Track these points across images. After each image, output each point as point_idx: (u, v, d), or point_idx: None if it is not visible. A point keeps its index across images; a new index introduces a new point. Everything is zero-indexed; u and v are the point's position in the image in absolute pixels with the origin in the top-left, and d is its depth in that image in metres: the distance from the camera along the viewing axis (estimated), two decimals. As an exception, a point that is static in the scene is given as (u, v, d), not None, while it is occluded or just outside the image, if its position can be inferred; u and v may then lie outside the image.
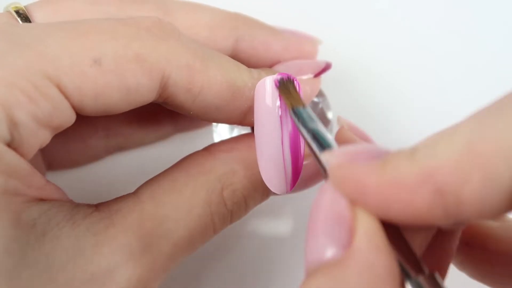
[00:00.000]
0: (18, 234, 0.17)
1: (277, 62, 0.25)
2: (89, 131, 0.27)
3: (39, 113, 0.18)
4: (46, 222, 0.18)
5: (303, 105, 0.20)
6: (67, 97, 0.18)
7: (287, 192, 0.22)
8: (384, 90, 0.32)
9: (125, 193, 0.21)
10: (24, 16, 0.21)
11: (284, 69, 0.24)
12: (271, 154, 0.21)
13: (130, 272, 0.18)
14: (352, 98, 0.32)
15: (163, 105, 0.21)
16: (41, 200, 0.18)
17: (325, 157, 0.16)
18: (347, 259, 0.15)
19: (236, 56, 0.25)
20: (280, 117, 0.21)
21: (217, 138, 0.28)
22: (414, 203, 0.14)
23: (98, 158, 0.28)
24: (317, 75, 0.24)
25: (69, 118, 0.19)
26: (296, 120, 0.20)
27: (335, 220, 0.16)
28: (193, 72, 0.20)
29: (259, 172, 0.22)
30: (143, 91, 0.19)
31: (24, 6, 0.21)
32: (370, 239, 0.15)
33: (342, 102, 0.29)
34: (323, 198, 0.16)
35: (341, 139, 0.23)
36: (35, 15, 0.21)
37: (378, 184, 0.15)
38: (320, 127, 0.19)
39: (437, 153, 0.14)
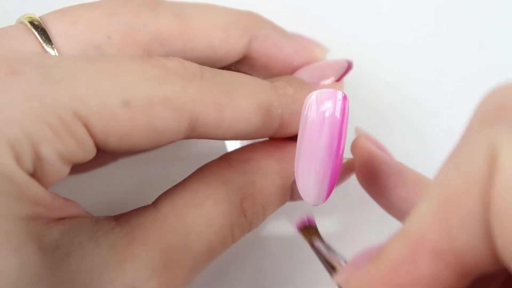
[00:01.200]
0: (44, 258, 0.17)
1: (288, 63, 0.25)
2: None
3: (64, 150, 0.18)
4: (69, 242, 0.18)
5: (320, 238, 0.20)
6: (92, 136, 0.18)
7: (321, 203, 0.22)
8: (390, 91, 0.32)
9: (134, 198, 0.21)
10: (40, 29, 0.21)
11: (306, 74, 0.24)
12: (318, 166, 0.20)
13: None
14: (366, 103, 0.32)
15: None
16: (61, 219, 0.18)
17: (337, 279, 0.17)
18: None
19: (248, 55, 0.25)
20: (341, 130, 0.20)
21: (228, 143, 0.28)
22: (421, 276, 0.14)
23: (104, 165, 0.28)
24: (340, 78, 0.24)
25: (91, 155, 0.19)
26: (317, 253, 0.20)
27: None
28: (221, 108, 0.20)
29: (277, 182, 0.22)
30: (170, 133, 0.19)
31: (39, 17, 0.21)
32: None
33: (357, 106, 0.29)
34: None
35: (358, 148, 0.23)
36: (52, 27, 0.21)
37: (382, 276, 0.15)
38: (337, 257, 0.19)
39: (418, 219, 0.14)
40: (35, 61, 0.18)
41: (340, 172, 0.24)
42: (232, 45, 0.24)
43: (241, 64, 0.25)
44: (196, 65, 0.21)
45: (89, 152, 0.18)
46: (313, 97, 0.20)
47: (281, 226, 0.31)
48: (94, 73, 0.18)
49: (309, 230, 0.21)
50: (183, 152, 0.29)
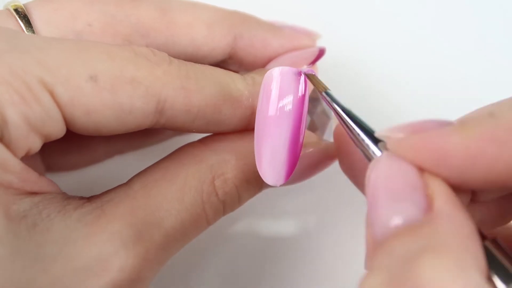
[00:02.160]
0: (9, 225, 0.17)
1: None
2: (89, 136, 0.28)
3: (30, 115, 0.18)
4: (37, 214, 0.18)
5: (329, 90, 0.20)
6: (59, 106, 0.18)
7: (280, 184, 0.22)
8: (386, 87, 0.32)
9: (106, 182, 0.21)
10: (23, 14, 0.21)
11: (278, 65, 0.24)
12: (274, 145, 0.21)
13: (122, 261, 0.19)
14: (353, 94, 0.32)
15: (163, 129, 0.21)
16: (34, 193, 0.19)
17: (384, 134, 0.17)
18: (435, 219, 0.15)
19: (234, 54, 0.25)
20: (294, 107, 0.21)
21: None
22: (504, 156, 0.14)
23: (98, 161, 0.29)
24: (312, 63, 0.24)
25: (60, 129, 0.19)
26: (330, 101, 0.20)
27: (407, 187, 0.15)
28: (189, 93, 0.20)
29: (251, 162, 0.22)
30: (137, 114, 0.20)
31: (23, 5, 0.22)
32: (451, 202, 0.15)
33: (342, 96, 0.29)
34: (382, 170, 0.16)
35: (338, 133, 0.23)
36: (34, 13, 0.22)
37: (461, 145, 0.15)
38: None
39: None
40: (6, 32, 0.19)
41: (321, 158, 0.24)
42: (216, 43, 0.24)
43: (229, 63, 0.26)
44: (165, 54, 0.21)
45: (58, 124, 0.19)
46: (269, 76, 0.21)
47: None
48: (63, 48, 0.19)
49: (315, 78, 0.21)
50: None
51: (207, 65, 0.22)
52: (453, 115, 0.28)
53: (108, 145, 0.29)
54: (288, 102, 0.21)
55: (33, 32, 0.21)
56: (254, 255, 0.30)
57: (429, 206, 0.15)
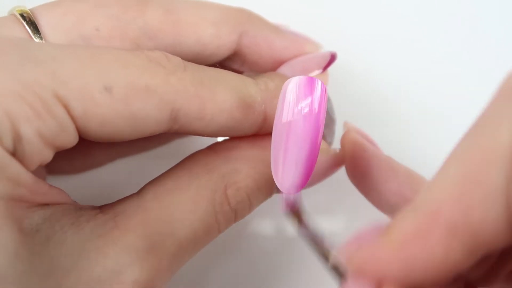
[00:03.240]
0: (23, 240, 0.17)
1: (279, 60, 0.25)
2: (90, 141, 0.28)
3: (44, 130, 0.18)
4: (50, 227, 0.18)
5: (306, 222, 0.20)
6: (73, 119, 0.18)
7: (295, 193, 0.21)
8: (387, 90, 0.32)
9: (128, 193, 0.21)
10: (29, 20, 0.21)
11: (289, 69, 0.24)
12: (292, 154, 0.20)
13: (136, 273, 0.19)
14: (355, 97, 0.32)
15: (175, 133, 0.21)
16: (45, 205, 0.18)
17: (333, 260, 0.17)
18: None
19: (238, 51, 0.25)
20: (313, 116, 0.20)
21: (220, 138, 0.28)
22: (432, 250, 0.14)
23: (100, 165, 0.29)
24: (324, 69, 0.24)
25: (72, 140, 0.19)
26: (307, 237, 0.20)
27: None
28: (203, 100, 0.20)
29: (262, 170, 0.22)
30: (151, 122, 0.19)
31: (29, 10, 0.22)
32: None
33: (345, 100, 0.29)
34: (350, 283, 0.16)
35: (347, 141, 0.23)
36: (41, 19, 0.21)
37: (392, 249, 0.15)
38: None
39: (435, 192, 0.14)
40: (17, 43, 0.19)
41: (329, 165, 0.24)
42: (222, 40, 0.24)
43: (232, 60, 0.25)
44: (179, 58, 0.21)
45: (71, 136, 0.18)
46: (289, 86, 0.20)
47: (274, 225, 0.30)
48: (76, 57, 0.18)
49: (296, 212, 0.21)
50: (179, 150, 0.29)
51: (220, 69, 0.22)
52: (448, 113, 0.28)
53: (110, 149, 0.28)
54: (307, 111, 0.20)
55: (41, 38, 0.21)
56: (254, 255, 0.30)
57: None
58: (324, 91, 0.20)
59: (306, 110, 0.20)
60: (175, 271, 0.21)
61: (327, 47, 0.26)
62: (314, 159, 0.21)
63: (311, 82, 0.20)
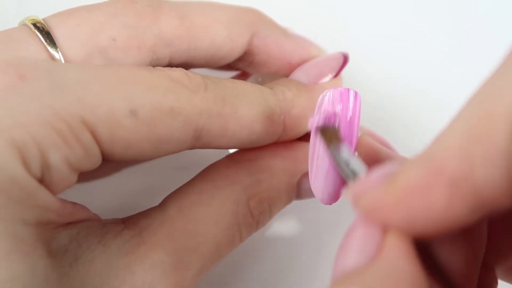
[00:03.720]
0: (53, 262, 0.17)
1: (286, 62, 0.25)
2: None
3: (72, 157, 0.18)
4: (77, 246, 0.18)
5: (342, 143, 0.20)
6: (99, 144, 0.18)
7: (334, 203, 0.22)
8: (395, 90, 0.32)
9: (142, 202, 0.21)
10: (44, 31, 0.21)
11: (303, 74, 0.24)
12: (329, 165, 0.21)
13: None
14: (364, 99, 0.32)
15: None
16: (70, 223, 0.18)
17: (345, 196, 0.17)
18: (373, 266, 0.15)
19: (248, 52, 0.25)
20: (353, 131, 0.21)
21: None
22: (434, 203, 0.14)
23: (107, 175, 0.28)
24: (338, 73, 0.24)
25: (96, 163, 0.19)
26: (335, 156, 0.19)
27: (366, 237, 0.16)
28: (225, 118, 0.20)
29: (283, 180, 0.22)
30: (175, 143, 0.19)
31: (43, 19, 0.21)
32: (397, 250, 0.15)
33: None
34: (358, 222, 0.16)
35: (362, 146, 0.23)
36: (56, 30, 0.21)
37: (395, 199, 0.15)
38: (360, 164, 0.19)
39: (440, 148, 0.14)
40: (43, 67, 0.18)
41: None
42: (235, 42, 0.24)
43: (240, 60, 0.25)
44: (199, 75, 0.21)
45: (96, 160, 0.18)
46: (326, 98, 0.21)
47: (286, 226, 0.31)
48: (101, 81, 0.18)
49: (329, 133, 0.20)
50: (191, 157, 0.29)
51: (238, 81, 0.22)
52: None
53: (119, 161, 0.28)
54: (345, 121, 0.21)
55: (57, 50, 0.21)
56: (255, 255, 0.30)
57: (376, 255, 0.15)
58: (357, 99, 0.21)
59: (341, 120, 0.20)
60: (198, 284, 0.21)
61: (333, 48, 0.26)
62: None
63: (345, 93, 0.20)
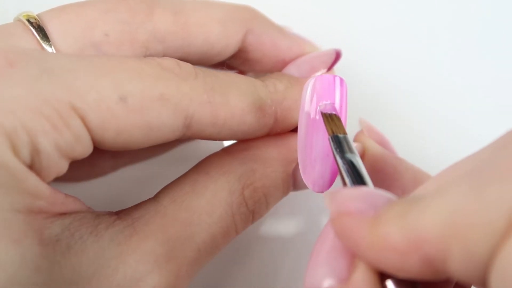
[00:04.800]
0: (44, 251, 0.17)
1: (281, 60, 0.25)
2: (95, 153, 0.28)
3: (61, 142, 0.18)
4: (70, 236, 0.18)
5: (344, 133, 0.20)
6: (89, 130, 0.18)
7: (324, 191, 0.22)
8: (391, 88, 0.32)
9: (138, 197, 0.21)
10: (37, 26, 0.21)
11: (295, 69, 0.24)
12: (320, 153, 0.21)
13: (156, 281, 0.19)
14: (360, 96, 0.32)
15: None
16: (62, 214, 0.18)
17: (326, 201, 0.17)
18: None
19: (242, 49, 0.25)
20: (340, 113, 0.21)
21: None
22: (405, 265, 0.14)
23: (103, 175, 0.28)
24: (330, 68, 0.24)
25: (87, 150, 0.19)
26: (334, 147, 0.19)
27: (337, 253, 0.16)
28: (215, 107, 0.20)
29: (278, 169, 0.22)
30: (165, 130, 0.19)
31: (37, 15, 0.21)
32: (368, 276, 0.15)
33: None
34: (329, 231, 0.16)
35: (357, 144, 0.23)
36: (50, 25, 0.21)
37: (369, 244, 0.15)
38: (358, 160, 0.19)
39: (424, 221, 0.14)
40: (33, 55, 0.19)
41: None
42: (229, 39, 0.24)
43: (235, 58, 0.25)
44: (190, 65, 0.21)
45: (86, 147, 0.18)
46: (311, 84, 0.21)
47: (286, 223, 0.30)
48: (91, 69, 0.18)
49: (332, 119, 0.21)
50: (187, 152, 0.29)
51: (229, 73, 0.22)
52: (452, 111, 0.27)
53: (114, 160, 0.28)
54: (332, 109, 0.21)
55: (50, 45, 0.21)
56: (254, 255, 0.30)
57: (347, 277, 0.16)
58: (343, 86, 0.21)
59: (328, 106, 0.20)
60: (194, 276, 0.20)
61: (328, 46, 0.26)
62: None
63: (331, 79, 0.21)
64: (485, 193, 0.13)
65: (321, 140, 0.21)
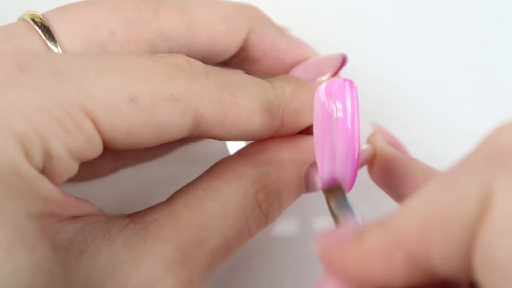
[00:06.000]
0: (57, 256, 0.17)
1: (280, 61, 0.25)
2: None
3: (73, 146, 0.17)
4: (82, 240, 0.18)
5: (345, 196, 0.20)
6: (100, 132, 0.18)
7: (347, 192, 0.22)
8: (394, 91, 0.32)
9: (147, 199, 0.21)
10: (43, 26, 0.20)
11: (302, 72, 0.24)
12: (342, 157, 0.21)
13: (169, 285, 0.18)
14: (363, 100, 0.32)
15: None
16: (74, 217, 0.18)
17: (313, 246, 0.17)
18: None
19: (243, 48, 0.24)
20: (353, 118, 0.21)
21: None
22: (393, 269, 0.15)
23: (103, 176, 0.28)
24: (336, 72, 0.24)
25: (98, 151, 0.18)
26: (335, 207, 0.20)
27: None
28: (225, 106, 0.20)
29: (291, 171, 0.22)
30: (175, 129, 0.19)
31: (42, 15, 0.21)
32: None
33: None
34: (326, 278, 0.16)
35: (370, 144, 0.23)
36: (55, 25, 0.21)
37: (358, 256, 0.15)
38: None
39: (403, 221, 0.14)
40: (42, 57, 0.18)
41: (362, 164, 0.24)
42: (233, 37, 0.24)
43: (234, 56, 0.25)
44: (201, 63, 0.21)
45: (97, 148, 0.18)
46: (322, 90, 0.21)
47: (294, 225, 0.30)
48: (101, 69, 0.18)
49: (332, 191, 0.21)
50: (193, 152, 0.29)
51: (239, 73, 0.22)
52: (453, 114, 0.27)
53: (117, 161, 0.28)
54: (345, 111, 0.21)
55: (57, 45, 0.20)
56: (255, 255, 0.30)
57: None
58: (353, 89, 0.21)
59: (340, 110, 0.20)
60: (207, 280, 0.20)
61: (329, 49, 0.26)
62: (355, 158, 0.21)
63: (343, 83, 0.21)
64: (456, 182, 0.14)
65: (340, 142, 0.21)
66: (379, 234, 0.15)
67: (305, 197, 0.25)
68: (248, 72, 0.27)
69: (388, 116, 0.32)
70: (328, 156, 0.21)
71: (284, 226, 0.30)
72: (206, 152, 0.23)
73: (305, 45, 0.26)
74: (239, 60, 0.25)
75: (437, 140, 0.31)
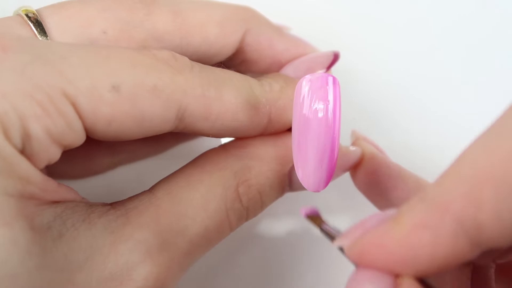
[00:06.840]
0: (35, 237, 0.17)
1: (278, 61, 0.25)
2: (93, 149, 0.27)
3: (53, 128, 0.17)
4: (62, 224, 0.18)
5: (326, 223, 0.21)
6: (81, 117, 0.18)
7: (320, 190, 0.21)
8: (389, 91, 0.32)
9: (129, 189, 0.21)
10: (36, 21, 0.21)
11: (292, 70, 0.24)
12: (314, 152, 0.21)
13: (147, 270, 0.18)
14: (357, 98, 0.32)
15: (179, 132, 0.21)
16: (56, 202, 0.18)
17: (338, 244, 0.17)
18: None
19: (240, 49, 0.25)
20: (335, 116, 0.21)
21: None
22: (439, 241, 0.14)
23: (101, 172, 0.28)
24: (328, 69, 0.24)
25: (80, 138, 0.19)
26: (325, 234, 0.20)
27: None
28: (209, 101, 0.20)
29: (274, 168, 0.22)
30: (158, 121, 0.19)
31: (36, 10, 0.21)
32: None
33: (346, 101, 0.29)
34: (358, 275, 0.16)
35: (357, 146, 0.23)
36: (48, 21, 0.21)
37: (401, 235, 0.15)
38: None
39: (447, 188, 0.14)
40: (27, 41, 0.19)
41: (346, 162, 0.24)
42: (227, 40, 0.24)
43: (231, 59, 0.25)
44: (187, 59, 0.21)
45: (78, 134, 0.18)
46: (304, 84, 0.21)
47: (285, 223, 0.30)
48: (84, 56, 0.18)
49: (315, 218, 0.21)
50: (187, 151, 0.29)
51: (226, 70, 0.22)
52: (446, 118, 0.27)
53: (112, 158, 0.28)
54: (325, 108, 0.20)
55: (47, 39, 0.21)
56: (255, 255, 0.30)
57: None
58: (336, 85, 0.21)
59: (321, 106, 0.20)
60: (187, 269, 0.20)
61: (328, 47, 0.26)
62: (335, 155, 0.21)
63: (324, 78, 0.20)
64: (497, 146, 0.13)
65: (316, 139, 0.21)
66: (421, 208, 0.15)
67: (305, 197, 0.25)
68: (247, 73, 0.27)
69: (388, 116, 0.32)
70: (304, 153, 0.21)
71: (284, 226, 0.30)
72: (202, 150, 0.23)
73: (305, 44, 0.26)
74: (236, 62, 0.25)
75: (437, 140, 0.31)
